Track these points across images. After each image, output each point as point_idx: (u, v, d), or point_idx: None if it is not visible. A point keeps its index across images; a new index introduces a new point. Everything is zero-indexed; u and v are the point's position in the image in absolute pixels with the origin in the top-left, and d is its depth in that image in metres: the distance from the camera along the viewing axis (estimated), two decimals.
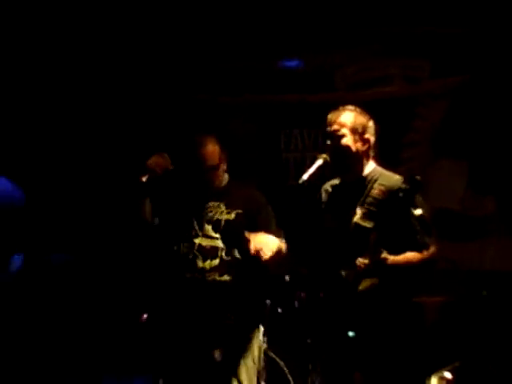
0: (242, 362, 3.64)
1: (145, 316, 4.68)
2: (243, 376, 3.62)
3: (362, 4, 6.05)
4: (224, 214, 3.70)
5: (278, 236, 3.67)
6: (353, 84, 6.46)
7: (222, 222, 3.69)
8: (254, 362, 3.67)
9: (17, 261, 3.85)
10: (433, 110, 6.19)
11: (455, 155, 5.91)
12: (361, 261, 3.33)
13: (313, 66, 6.48)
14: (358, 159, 3.60)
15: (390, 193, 3.39)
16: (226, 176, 3.89)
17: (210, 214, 3.70)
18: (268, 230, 3.66)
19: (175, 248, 3.69)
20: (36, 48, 5.84)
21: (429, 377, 4.12)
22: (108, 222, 5.31)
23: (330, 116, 3.66)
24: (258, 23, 6.16)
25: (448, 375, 3.83)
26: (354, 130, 3.60)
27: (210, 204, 3.74)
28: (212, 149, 3.75)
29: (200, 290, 3.63)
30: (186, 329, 3.65)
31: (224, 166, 3.85)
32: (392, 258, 3.34)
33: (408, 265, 3.40)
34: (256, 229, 3.67)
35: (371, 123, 3.69)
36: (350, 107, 3.72)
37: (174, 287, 3.71)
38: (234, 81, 6.54)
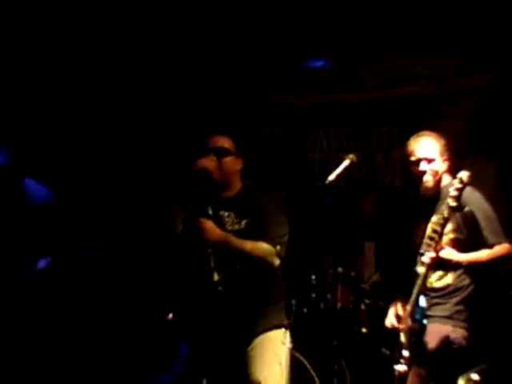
0: (269, 365, 3.62)
1: (170, 315, 4.70)
2: (270, 380, 3.59)
3: (388, 3, 6.02)
4: (234, 225, 3.65)
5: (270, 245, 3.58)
6: (379, 83, 6.44)
7: (233, 233, 3.61)
8: (280, 365, 3.64)
9: (43, 262, 3.90)
10: (461, 108, 6.15)
11: (485, 154, 5.85)
12: (428, 255, 3.51)
13: (339, 66, 6.47)
14: (440, 178, 3.75)
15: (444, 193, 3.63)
16: (239, 183, 3.80)
17: (222, 224, 3.65)
18: (264, 237, 3.59)
19: (193, 258, 3.64)
20: (58, 56, 5.88)
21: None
22: (138, 222, 5.35)
23: (410, 147, 3.77)
24: (285, 24, 6.15)
25: (475, 377, 3.81)
26: (432, 156, 3.72)
27: (221, 213, 3.69)
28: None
29: (219, 301, 3.60)
30: (210, 337, 3.65)
31: (238, 175, 3.80)
32: (454, 254, 3.55)
33: (477, 262, 3.61)
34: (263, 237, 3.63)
35: (444, 142, 3.78)
36: (425, 135, 3.79)
37: (195, 298, 3.71)
38: (259, 82, 6.54)
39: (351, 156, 3.74)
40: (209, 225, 3.52)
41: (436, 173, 3.72)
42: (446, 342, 3.58)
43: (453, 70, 6.27)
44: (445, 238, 3.56)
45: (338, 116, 6.51)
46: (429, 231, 3.59)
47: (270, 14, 6.09)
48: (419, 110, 6.20)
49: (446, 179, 3.74)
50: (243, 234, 3.58)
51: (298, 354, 5.00)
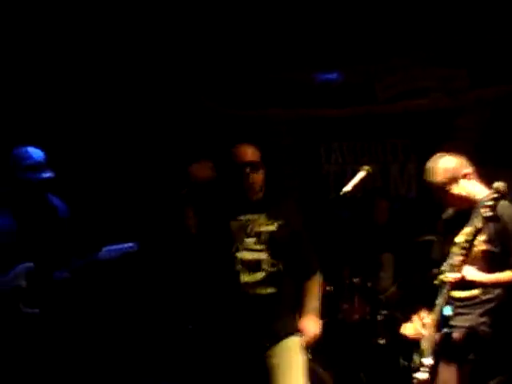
0: (297, 378, 3.62)
1: (189, 327, 4.72)
2: None
3: (400, 16, 6.06)
4: (265, 226, 3.66)
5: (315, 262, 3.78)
6: (393, 96, 6.46)
7: (265, 234, 3.65)
8: (304, 376, 3.65)
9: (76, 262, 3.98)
10: (474, 120, 6.17)
11: (498, 165, 5.86)
12: (451, 276, 3.51)
13: (352, 79, 6.50)
14: (467, 193, 3.71)
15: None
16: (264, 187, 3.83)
17: (250, 227, 3.66)
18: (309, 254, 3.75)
19: (217, 262, 3.66)
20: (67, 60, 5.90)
21: None
22: (151, 229, 5.37)
23: (426, 178, 3.75)
24: (298, 37, 6.19)
25: None
26: (450, 182, 3.68)
27: (249, 217, 3.69)
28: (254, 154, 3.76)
29: (245, 304, 3.59)
30: (231, 343, 3.65)
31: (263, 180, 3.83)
32: (477, 275, 3.52)
33: (500, 283, 3.57)
34: (298, 241, 3.70)
35: (461, 159, 3.74)
36: (437, 159, 3.75)
37: (218, 301, 3.70)
38: (273, 95, 6.57)
39: (367, 167, 3.76)
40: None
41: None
42: (471, 332, 3.58)
43: (464, 82, 6.29)
44: (475, 250, 3.52)
45: (353, 128, 6.53)
46: (461, 241, 3.54)
47: (283, 26, 6.13)
48: (433, 122, 6.23)
49: (480, 190, 3.69)
50: (276, 235, 3.64)
51: (315, 365, 5.02)
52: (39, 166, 3.93)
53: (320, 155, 6.69)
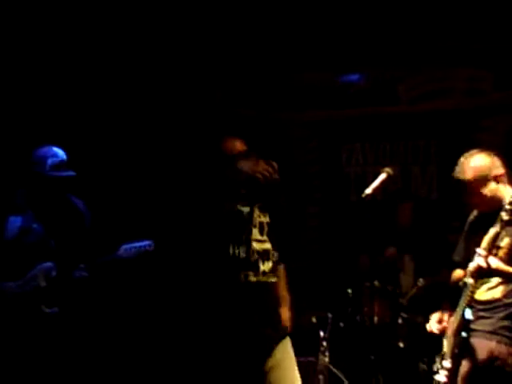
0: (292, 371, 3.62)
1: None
2: None
3: (423, 17, 6.01)
4: (262, 217, 3.68)
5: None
6: (416, 97, 6.42)
7: (265, 225, 3.67)
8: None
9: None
10: (498, 123, 6.11)
11: None
12: (477, 261, 3.45)
13: (374, 80, 6.47)
14: (495, 195, 3.65)
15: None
16: None
17: (254, 217, 3.66)
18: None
19: (230, 251, 3.60)
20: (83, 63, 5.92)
21: None
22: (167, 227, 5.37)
23: (456, 173, 3.70)
24: (320, 38, 6.17)
25: None
26: (479, 181, 3.63)
27: (247, 209, 3.68)
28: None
29: (264, 292, 3.60)
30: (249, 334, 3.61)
31: None
32: (496, 264, 3.45)
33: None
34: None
35: (495, 159, 3.69)
36: (469, 156, 3.71)
37: (233, 291, 3.60)
38: (295, 96, 6.56)
39: (388, 169, 3.73)
40: None
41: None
42: (490, 357, 3.52)
43: (488, 83, 6.24)
44: (500, 252, 3.50)
45: (374, 129, 6.50)
46: (483, 244, 3.50)
47: (306, 28, 6.12)
48: (456, 124, 6.18)
49: (508, 193, 3.62)
50: (271, 226, 3.67)
51: (334, 369, 5.00)
52: (64, 165, 3.98)
53: (341, 156, 6.66)
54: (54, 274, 3.92)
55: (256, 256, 3.61)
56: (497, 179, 3.63)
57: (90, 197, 4.26)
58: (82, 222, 4.08)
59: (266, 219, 3.69)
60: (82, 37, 5.76)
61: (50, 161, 3.96)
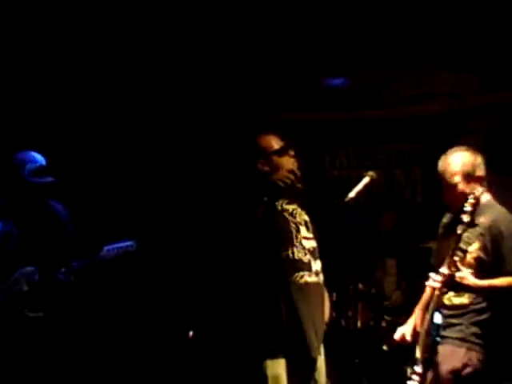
0: None
1: (191, 333, 4.70)
2: None
3: (407, 21, 6.03)
4: (304, 215, 3.57)
5: None
6: (399, 100, 6.44)
7: (309, 223, 3.56)
8: None
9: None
10: (481, 125, 6.14)
11: (505, 172, 5.82)
12: (442, 272, 3.44)
13: (358, 84, 6.48)
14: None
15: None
16: None
17: (298, 216, 3.54)
18: None
19: (283, 253, 3.45)
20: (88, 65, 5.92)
21: None
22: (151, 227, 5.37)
23: (440, 165, 3.69)
24: (303, 42, 6.17)
25: None
26: (464, 176, 3.62)
27: (294, 206, 3.60)
28: None
29: (319, 292, 3.51)
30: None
31: None
32: (469, 279, 3.42)
33: (492, 289, 3.46)
34: None
35: (480, 160, 3.69)
36: (457, 150, 3.71)
37: (292, 293, 3.42)
38: (279, 100, 6.56)
39: (371, 173, 3.73)
40: None
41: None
42: (461, 365, 3.49)
43: (472, 87, 6.27)
44: (468, 256, 3.48)
45: (358, 133, 6.51)
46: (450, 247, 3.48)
47: (289, 32, 6.11)
48: (440, 127, 6.20)
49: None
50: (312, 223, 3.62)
51: None
52: (43, 171, 3.97)
53: (324, 160, 6.67)
54: (36, 278, 3.90)
55: (309, 255, 3.49)
56: (478, 180, 3.63)
57: (70, 198, 4.26)
58: (61, 226, 4.07)
59: (307, 217, 3.59)
60: (73, 39, 5.74)
61: (28, 166, 3.95)
